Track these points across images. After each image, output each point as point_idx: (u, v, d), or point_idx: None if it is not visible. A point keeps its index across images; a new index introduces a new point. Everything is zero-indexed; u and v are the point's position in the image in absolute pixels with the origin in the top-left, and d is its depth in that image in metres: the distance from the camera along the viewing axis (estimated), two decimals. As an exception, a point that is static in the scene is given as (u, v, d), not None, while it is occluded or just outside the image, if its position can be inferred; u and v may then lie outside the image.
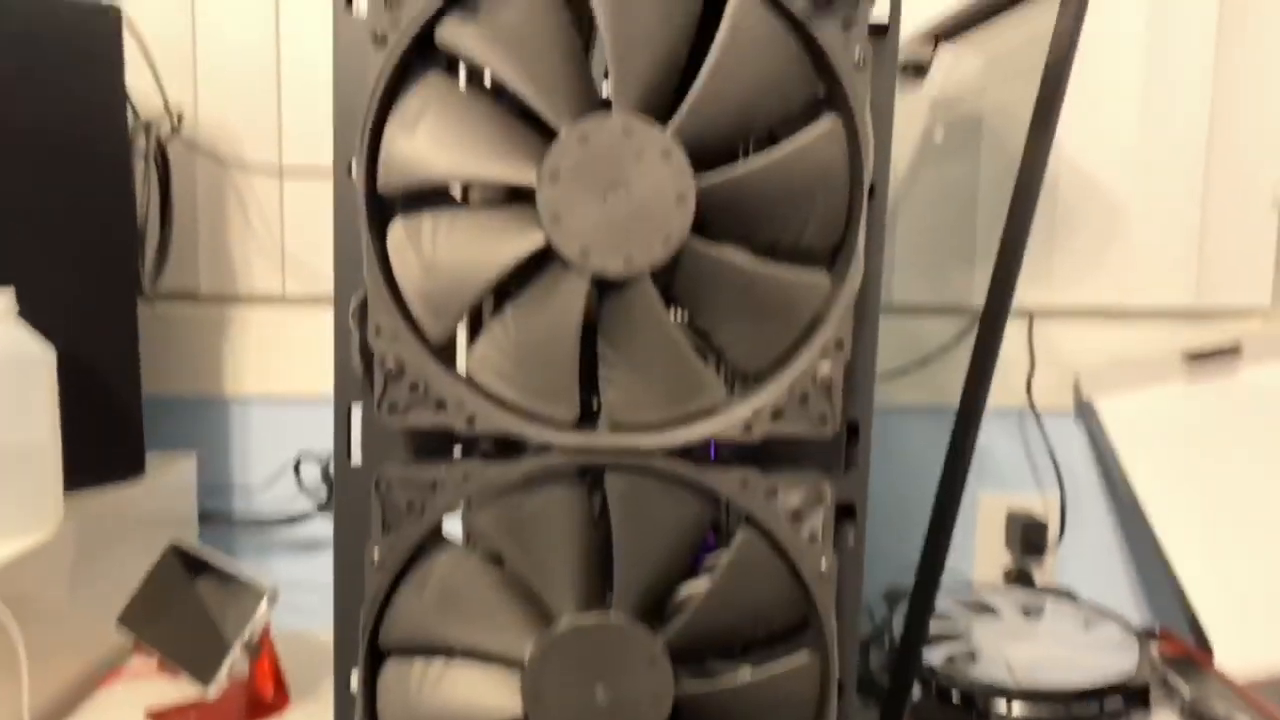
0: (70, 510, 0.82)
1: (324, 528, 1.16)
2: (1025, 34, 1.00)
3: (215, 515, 1.14)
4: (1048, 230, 1.15)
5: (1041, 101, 0.71)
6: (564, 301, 0.54)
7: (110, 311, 0.92)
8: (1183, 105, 1.14)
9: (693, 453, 0.59)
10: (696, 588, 0.60)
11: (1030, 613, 1.01)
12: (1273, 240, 1.17)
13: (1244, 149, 1.16)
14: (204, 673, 0.78)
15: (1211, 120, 1.14)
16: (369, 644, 0.58)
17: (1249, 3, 1.13)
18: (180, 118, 1.06)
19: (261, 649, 0.82)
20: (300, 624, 1.14)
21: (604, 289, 0.55)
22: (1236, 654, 0.96)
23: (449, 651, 0.60)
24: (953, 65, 1.13)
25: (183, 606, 0.82)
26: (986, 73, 1.12)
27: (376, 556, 0.57)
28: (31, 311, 0.78)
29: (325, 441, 1.12)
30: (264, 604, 0.79)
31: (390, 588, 0.57)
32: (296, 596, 1.12)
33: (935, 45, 1.01)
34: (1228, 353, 1.13)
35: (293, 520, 1.16)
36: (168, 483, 1.01)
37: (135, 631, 0.82)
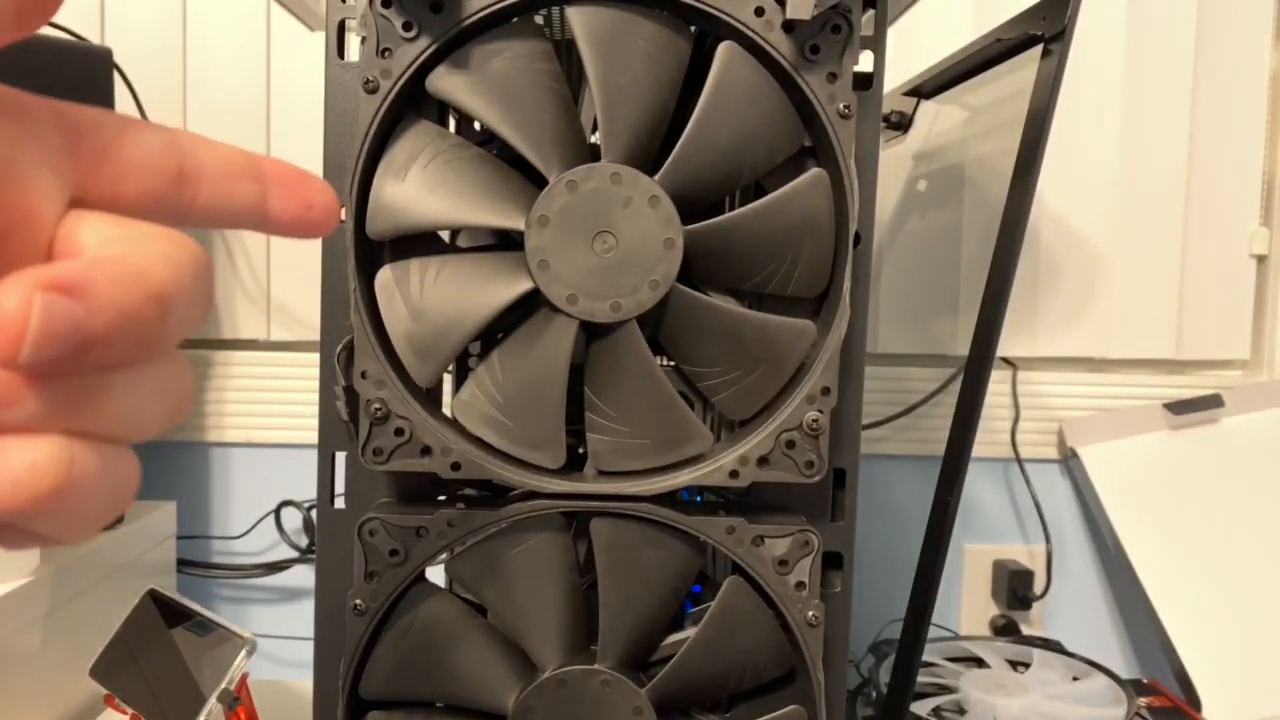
0: (45, 557, 0.80)
1: (304, 576, 1.15)
2: (1006, 87, 1.02)
3: (194, 563, 1.13)
4: (1030, 281, 1.17)
5: (1023, 153, 0.72)
6: (551, 347, 0.54)
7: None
8: (1160, 159, 1.16)
9: (679, 500, 0.59)
10: (683, 637, 0.59)
11: (1018, 664, 1.00)
12: (1251, 292, 1.19)
13: (1221, 202, 1.18)
14: (179, 725, 0.76)
15: (1188, 174, 1.17)
16: (349, 694, 0.57)
17: (1223, 57, 1.16)
18: (168, 163, 1.06)
19: (239, 701, 0.80)
20: (280, 674, 1.12)
21: (591, 335, 0.55)
22: (1224, 706, 0.95)
23: (431, 702, 0.59)
24: (935, 118, 1.15)
25: (158, 656, 0.80)
26: (968, 125, 1.14)
27: (358, 604, 0.56)
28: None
29: (307, 489, 1.12)
30: (242, 654, 0.78)
31: (372, 636, 0.57)
32: (276, 646, 1.10)
33: (917, 100, 1.03)
34: (1209, 403, 1.14)
35: (273, 568, 1.14)
36: (146, 530, 1.00)
37: (107, 684, 0.81)
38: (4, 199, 0.23)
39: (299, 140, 1.10)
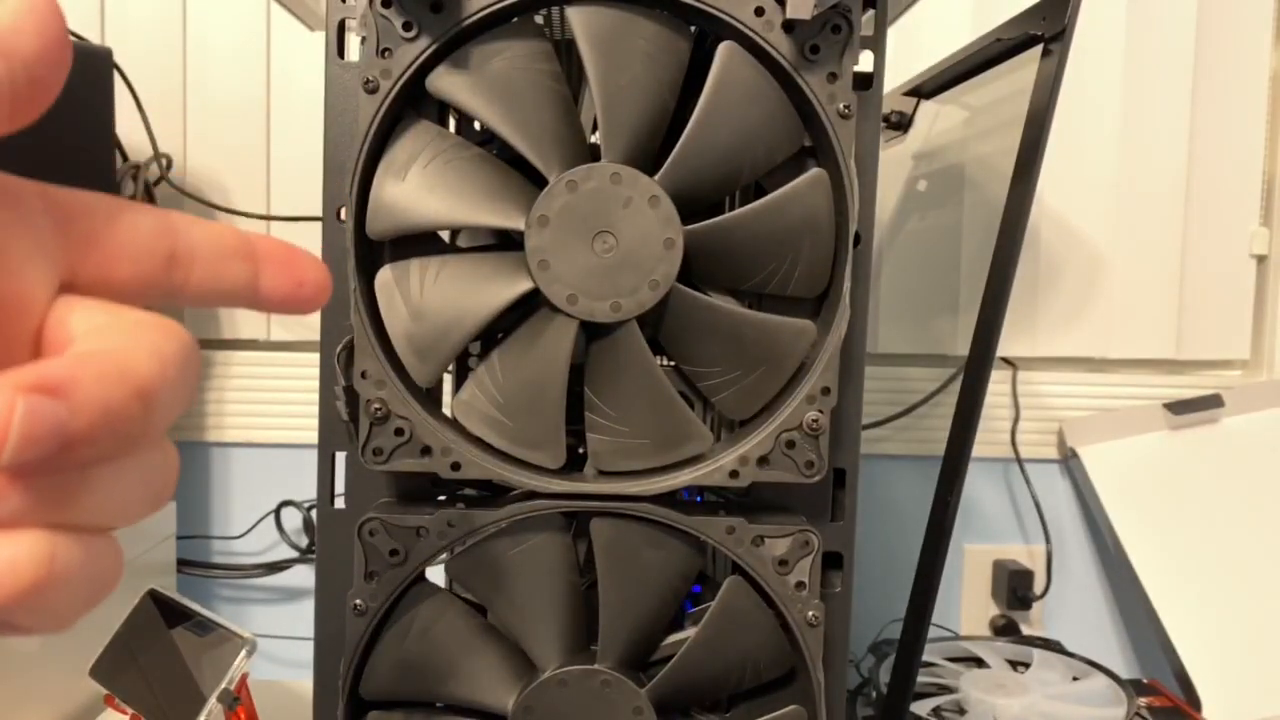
0: (46, 557, 0.80)
1: (304, 576, 1.15)
2: (1006, 87, 1.02)
3: (194, 563, 1.13)
4: (1030, 281, 1.17)
5: (1023, 153, 0.72)
6: (551, 347, 0.54)
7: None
8: (1160, 159, 1.16)
9: (679, 500, 0.59)
10: (683, 637, 0.59)
11: (1018, 664, 1.00)
12: (1251, 292, 1.19)
13: (1221, 202, 1.18)
14: (179, 725, 0.76)
15: (1188, 174, 1.17)
16: (349, 694, 0.57)
17: (1223, 57, 1.16)
18: (169, 162, 1.06)
19: (239, 701, 0.80)
20: (280, 674, 1.12)
21: (591, 335, 0.55)
22: (1224, 706, 0.95)
23: (431, 702, 0.59)
24: (935, 118, 1.15)
25: (158, 656, 0.80)
26: (968, 126, 1.14)
27: (358, 604, 0.56)
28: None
29: (307, 489, 1.12)
30: (242, 654, 0.78)
31: (372, 636, 0.57)
32: (276, 646, 1.10)
33: (917, 100, 1.03)
34: (1209, 403, 1.14)
35: (273, 568, 1.14)
36: (146, 530, 1.00)
37: (107, 684, 0.81)
38: None
39: (299, 140, 1.10)
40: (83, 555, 0.22)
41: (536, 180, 0.54)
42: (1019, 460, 1.17)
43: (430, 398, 0.59)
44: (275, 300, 0.28)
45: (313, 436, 0.60)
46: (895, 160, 1.16)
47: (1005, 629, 1.16)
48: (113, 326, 0.24)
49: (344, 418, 0.56)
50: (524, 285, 0.53)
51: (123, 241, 0.25)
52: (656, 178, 0.53)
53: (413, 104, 0.55)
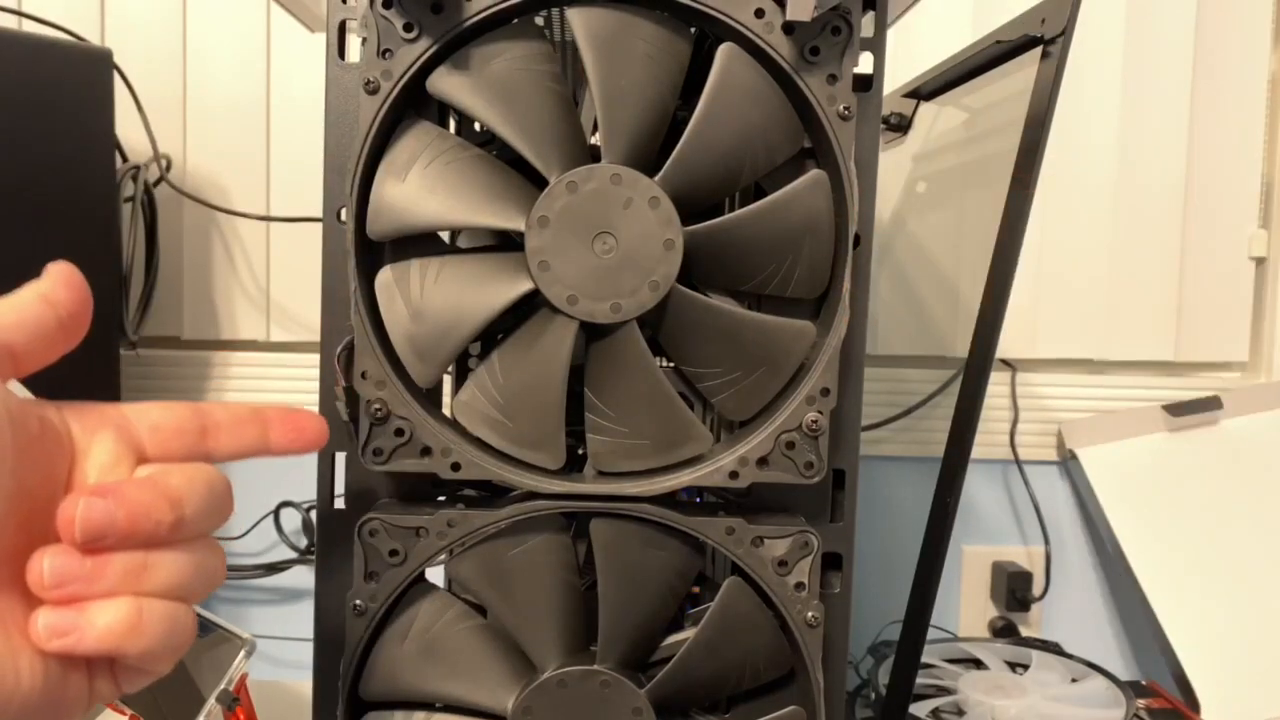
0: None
1: (304, 576, 1.15)
2: (1005, 89, 1.02)
3: (193, 563, 1.12)
4: (1030, 282, 1.17)
5: (1022, 154, 0.72)
6: (551, 348, 0.54)
7: (92, 358, 0.91)
8: (1159, 160, 1.16)
9: (679, 500, 0.59)
10: (682, 638, 0.59)
11: (1016, 666, 1.00)
12: (1250, 294, 1.19)
13: (1219, 204, 1.18)
14: (178, 725, 0.76)
15: (1187, 176, 1.17)
16: (349, 695, 0.57)
17: (1223, 59, 1.16)
18: (168, 162, 1.06)
19: (238, 701, 0.80)
20: (279, 675, 1.12)
21: (591, 335, 0.55)
22: (1223, 708, 0.95)
23: (431, 703, 0.59)
24: (934, 120, 1.15)
25: (158, 656, 0.80)
26: (967, 127, 1.14)
27: (358, 604, 0.56)
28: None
29: (307, 489, 1.12)
30: (241, 655, 0.78)
31: (371, 637, 0.57)
32: (275, 647, 1.10)
33: (917, 102, 1.03)
34: (1208, 405, 1.14)
35: (272, 569, 1.14)
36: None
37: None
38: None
39: (299, 141, 1.10)
40: (162, 612, 0.34)
41: (537, 181, 0.54)
42: (1018, 462, 1.17)
43: (430, 398, 0.59)
44: (282, 446, 0.41)
45: (313, 437, 0.59)
46: (895, 161, 1.16)
47: (1004, 630, 1.16)
48: (164, 469, 0.36)
49: (344, 418, 0.56)
50: (524, 286, 0.53)
51: (170, 428, 0.38)
52: (657, 179, 0.53)
53: (413, 105, 0.55)
